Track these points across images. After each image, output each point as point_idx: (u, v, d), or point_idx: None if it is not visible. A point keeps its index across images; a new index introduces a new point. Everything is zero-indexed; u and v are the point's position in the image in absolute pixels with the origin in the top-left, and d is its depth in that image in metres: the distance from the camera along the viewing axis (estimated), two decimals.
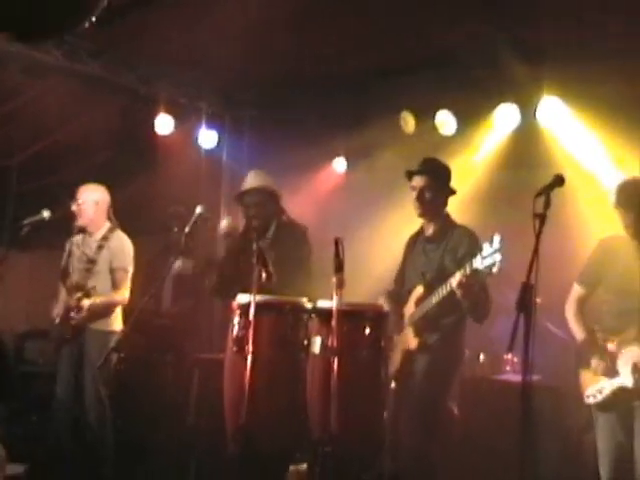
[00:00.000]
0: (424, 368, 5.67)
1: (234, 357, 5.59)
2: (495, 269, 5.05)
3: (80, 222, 7.12)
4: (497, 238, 5.04)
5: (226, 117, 9.86)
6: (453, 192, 5.99)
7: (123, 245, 7.17)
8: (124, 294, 7.04)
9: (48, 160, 8.67)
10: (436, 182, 5.91)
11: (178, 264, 6.02)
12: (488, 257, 5.06)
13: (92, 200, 7.12)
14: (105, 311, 6.94)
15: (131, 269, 7.12)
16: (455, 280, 5.30)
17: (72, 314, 6.84)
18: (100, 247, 7.07)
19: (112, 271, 7.05)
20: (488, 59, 7.33)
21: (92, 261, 7.03)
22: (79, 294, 6.84)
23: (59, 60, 7.93)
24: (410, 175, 5.96)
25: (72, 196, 7.09)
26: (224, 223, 6.15)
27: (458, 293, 5.33)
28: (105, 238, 7.11)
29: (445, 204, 6.01)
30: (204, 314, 9.17)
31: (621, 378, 5.32)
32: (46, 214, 6.83)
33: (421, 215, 5.96)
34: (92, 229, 7.15)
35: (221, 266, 6.55)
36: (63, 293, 7.06)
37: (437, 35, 7.33)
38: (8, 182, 8.73)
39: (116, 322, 7.00)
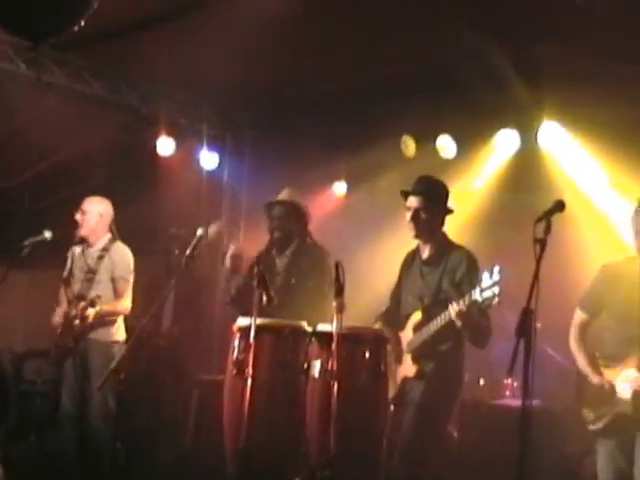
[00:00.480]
0: (422, 396, 5.59)
1: (234, 379, 5.57)
2: (495, 302, 5.02)
3: (82, 232, 7.19)
4: (497, 269, 5.00)
5: (227, 138, 9.88)
6: (450, 211, 5.86)
7: (124, 255, 7.26)
8: (127, 303, 7.14)
9: (49, 180, 8.69)
10: (431, 202, 5.77)
11: (213, 229, 6.09)
12: (487, 289, 5.02)
13: (96, 212, 7.21)
14: (108, 320, 7.03)
15: (132, 279, 7.21)
16: (454, 310, 5.27)
17: (75, 323, 6.87)
18: (101, 257, 7.15)
19: (113, 280, 7.14)
20: (489, 83, 7.36)
21: (93, 271, 7.10)
22: (83, 303, 6.88)
23: (62, 80, 7.97)
24: (405, 195, 5.85)
25: (76, 211, 7.16)
26: (210, 229, 6.17)
27: (457, 323, 5.29)
28: (105, 249, 7.20)
29: (442, 224, 5.87)
30: (204, 335, 9.17)
31: (621, 405, 5.30)
32: (47, 234, 6.82)
33: (416, 236, 5.83)
34: (93, 240, 7.22)
35: (242, 280, 6.59)
36: (64, 303, 7.09)
37: (437, 59, 7.36)
38: (9, 202, 8.74)
39: (118, 332, 7.10)
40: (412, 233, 5.83)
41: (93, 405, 6.85)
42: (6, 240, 7.30)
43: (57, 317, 7.06)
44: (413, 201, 5.77)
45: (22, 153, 8.43)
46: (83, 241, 7.24)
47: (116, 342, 7.00)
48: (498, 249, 7.00)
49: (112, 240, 7.27)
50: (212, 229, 6.29)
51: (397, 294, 6.16)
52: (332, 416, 4.90)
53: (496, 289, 4.97)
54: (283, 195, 6.76)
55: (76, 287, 7.10)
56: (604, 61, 6.83)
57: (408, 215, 5.78)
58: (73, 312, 6.93)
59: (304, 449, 5.46)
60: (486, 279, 5.04)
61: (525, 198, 7.57)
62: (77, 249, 7.27)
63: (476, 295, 5.10)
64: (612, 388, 5.36)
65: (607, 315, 5.58)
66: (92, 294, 6.96)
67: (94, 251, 7.20)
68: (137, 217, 8.74)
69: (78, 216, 7.15)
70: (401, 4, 6.64)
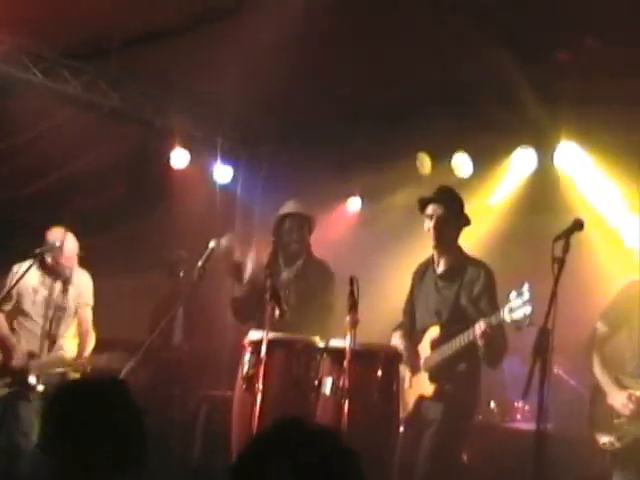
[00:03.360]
0: (439, 417, 5.54)
1: (243, 395, 5.52)
2: (525, 324, 4.92)
3: (67, 272, 6.95)
4: (526, 287, 4.93)
5: (242, 153, 9.84)
6: (468, 222, 5.84)
7: (87, 281, 7.11)
8: (93, 337, 7.03)
9: (62, 191, 8.66)
10: (452, 211, 5.76)
11: (224, 241, 6.01)
12: (518, 310, 4.94)
13: (75, 248, 6.98)
14: None
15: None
16: (479, 329, 5.18)
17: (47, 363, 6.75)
18: (65, 290, 6.93)
19: (78, 309, 6.99)
20: (506, 102, 7.32)
21: (62, 308, 6.90)
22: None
23: (77, 90, 7.94)
24: (424, 203, 5.80)
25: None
26: (223, 241, 6.12)
27: (480, 342, 5.21)
28: (68, 279, 6.96)
29: (459, 235, 5.85)
30: (214, 350, 9.11)
31: None
32: (58, 243, 6.79)
33: (436, 246, 5.78)
34: (60, 271, 6.96)
35: (244, 292, 6.55)
36: (19, 339, 6.83)
37: (454, 77, 7.32)
38: (22, 212, 8.71)
39: None
40: (432, 243, 5.77)
41: None
42: (19, 250, 7.23)
43: (20, 358, 6.73)
44: (435, 208, 5.73)
45: (35, 163, 8.39)
46: (52, 268, 6.93)
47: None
48: (514, 269, 6.92)
49: (71, 269, 7.02)
50: (224, 242, 6.23)
51: (410, 308, 6.10)
52: (343, 434, 4.84)
53: (527, 309, 4.89)
54: (292, 207, 6.71)
55: (38, 323, 6.85)
56: (622, 82, 6.78)
57: (430, 223, 5.73)
58: (44, 349, 6.78)
59: None
60: (514, 298, 4.96)
61: (541, 218, 7.49)
62: (31, 279, 6.83)
63: (505, 315, 5.01)
64: (639, 403, 5.25)
65: (629, 333, 5.49)
66: (61, 332, 6.86)
67: (57, 283, 6.95)
68: (150, 229, 8.71)
69: (57, 243, 6.78)
70: (417, 23, 6.61)
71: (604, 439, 5.39)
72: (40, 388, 6.67)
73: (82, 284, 7.07)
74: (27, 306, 6.88)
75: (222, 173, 9.52)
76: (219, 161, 9.46)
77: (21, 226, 8.55)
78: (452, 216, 5.75)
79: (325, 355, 5.51)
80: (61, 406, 2.97)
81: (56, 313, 6.90)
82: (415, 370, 5.78)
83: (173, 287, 8.57)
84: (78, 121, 8.21)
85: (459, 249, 5.87)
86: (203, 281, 5.92)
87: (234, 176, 9.66)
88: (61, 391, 3.15)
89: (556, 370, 6.95)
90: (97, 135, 8.38)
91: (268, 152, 9.79)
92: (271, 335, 5.35)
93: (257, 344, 5.41)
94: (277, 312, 5.42)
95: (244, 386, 5.52)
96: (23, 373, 6.68)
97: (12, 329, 6.81)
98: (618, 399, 5.35)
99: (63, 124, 8.12)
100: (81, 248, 7.03)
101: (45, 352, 6.83)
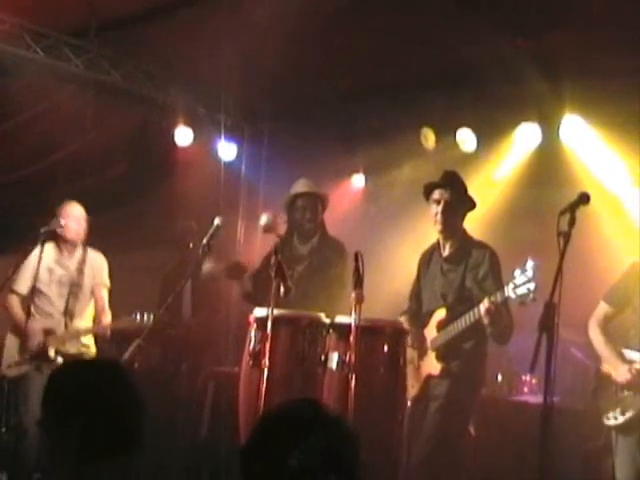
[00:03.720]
0: (448, 392, 5.61)
1: (250, 371, 5.53)
2: (529, 299, 4.94)
3: (69, 236, 7.00)
4: (530, 264, 4.95)
5: (245, 129, 9.82)
6: (474, 205, 5.87)
7: (102, 262, 7.21)
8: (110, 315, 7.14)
9: (66, 169, 8.65)
10: (459, 195, 5.79)
11: (207, 266, 5.96)
12: (522, 286, 4.96)
13: (82, 217, 7.05)
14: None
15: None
16: (484, 307, 5.20)
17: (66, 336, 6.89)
18: (80, 269, 7.03)
19: (94, 290, 7.11)
20: (510, 76, 7.29)
21: (78, 285, 7.00)
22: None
23: (79, 68, 7.92)
24: (431, 188, 5.82)
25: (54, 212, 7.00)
26: (264, 218, 6.09)
27: (485, 320, 5.24)
28: (83, 259, 7.07)
29: (464, 219, 5.88)
30: (221, 327, 9.13)
31: None
32: (63, 222, 6.80)
33: (442, 231, 5.82)
34: (70, 248, 7.06)
35: (257, 271, 6.56)
36: (36, 315, 6.90)
37: (458, 51, 7.29)
38: (25, 191, 8.71)
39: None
40: (438, 227, 5.80)
41: None
42: (22, 229, 7.23)
43: (36, 336, 6.81)
44: (443, 193, 5.75)
45: (39, 142, 8.38)
46: (64, 246, 7.05)
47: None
48: (519, 243, 6.93)
49: (85, 249, 7.13)
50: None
51: (417, 292, 6.16)
52: (349, 409, 4.85)
53: (532, 285, 4.92)
54: (304, 186, 6.74)
55: (55, 302, 6.96)
56: (624, 54, 6.75)
57: (437, 208, 5.75)
58: (60, 326, 6.88)
59: None
60: (518, 275, 4.98)
61: (546, 192, 7.47)
62: (46, 258, 6.85)
63: (509, 292, 5.05)
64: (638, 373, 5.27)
65: (633, 311, 5.51)
66: (77, 310, 6.97)
67: (72, 262, 7.05)
68: (154, 207, 8.71)
69: (62, 221, 6.86)
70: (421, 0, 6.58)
71: (608, 413, 5.42)
72: (60, 360, 6.79)
73: (96, 264, 7.16)
74: (44, 287, 6.94)
75: (226, 150, 9.50)
76: (223, 138, 9.44)
77: (24, 206, 8.57)
78: (458, 200, 5.78)
79: (331, 331, 5.52)
80: (58, 385, 3.00)
81: (72, 291, 6.98)
82: (423, 352, 5.83)
83: (181, 259, 8.57)
84: (80, 100, 8.20)
85: (464, 232, 5.91)
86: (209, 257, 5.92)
87: (238, 153, 9.64)
88: (59, 370, 3.17)
89: (563, 344, 6.96)
90: (99, 113, 8.36)
91: (270, 129, 9.77)
92: (276, 312, 5.35)
93: (263, 320, 5.42)
94: (282, 289, 5.42)
95: (251, 362, 5.53)
96: (42, 348, 6.78)
97: (28, 313, 6.77)
98: (621, 372, 5.37)
99: (65, 102, 8.11)
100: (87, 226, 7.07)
101: (62, 329, 6.92)
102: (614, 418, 5.38)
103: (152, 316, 6.52)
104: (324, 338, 5.55)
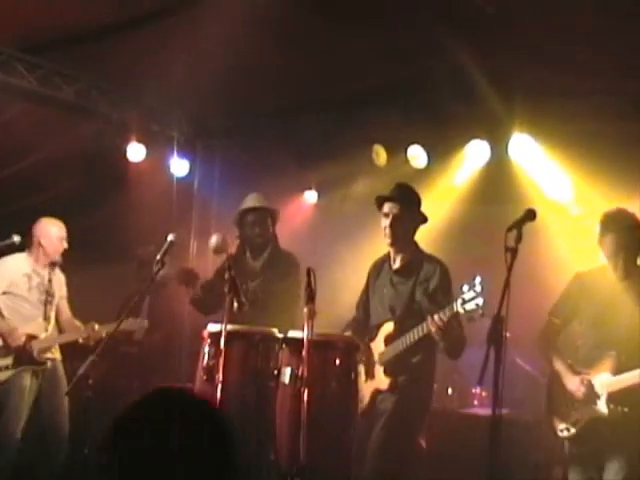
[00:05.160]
0: (394, 407, 5.60)
1: (204, 385, 5.55)
2: (478, 314, 5.01)
3: (52, 258, 7.14)
4: (478, 280, 4.99)
5: (197, 145, 9.84)
6: (425, 220, 5.85)
7: (62, 276, 7.36)
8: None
9: (17, 185, 8.60)
10: (409, 209, 5.76)
11: (161, 272, 5.96)
12: (470, 301, 5.02)
13: (62, 237, 7.18)
14: None
15: None
16: (435, 323, 5.22)
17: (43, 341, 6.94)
18: (50, 280, 7.16)
19: (60, 301, 7.25)
20: (460, 94, 7.40)
21: (51, 294, 7.13)
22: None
23: (32, 85, 7.90)
24: (381, 201, 5.81)
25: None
26: (214, 239, 6.12)
27: (436, 336, 5.27)
28: (52, 270, 7.22)
29: (415, 232, 5.86)
30: (173, 343, 9.11)
31: (597, 407, 5.32)
32: (16, 239, 6.81)
33: (392, 244, 5.80)
34: (46, 261, 7.17)
35: (208, 282, 6.60)
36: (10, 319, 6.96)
37: (409, 68, 7.37)
38: None
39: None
40: (387, 241, 5.79)
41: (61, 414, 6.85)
42: None
43: (19, 339, 6.87)
44: (391, 207, 5.73)
45: None
46: (40, 258, 7.15)
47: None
48: (469, 259, 7.04)
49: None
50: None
51: (365, 303, 6.11)
52: (302, 423, 4.89)
53: (480, 300, 4.97)
54: (255, 201, 6.79)
55: (35, 307, 7.03)
56: (573, 75, 6.88)
57: (386, 222, 5.73)
58: (42, 331, 6.95)
59: (274, 456, 5.45)
60: (467, 291, 5.03)
61: (495, 209, 7.61)
62: (23, 266, 7.08)
63: (458, 307, 5.08)
64: (590, 386, 5.37)
65: (579, 322, 5.64)
66: (52, 316, 7.10)
67: (45, 272, 7.16)
68: (107, 223, 8.68)
69: (49, 242, 7.08)
70: (372, 15, 6.63)
71: (561, 425, 5.50)
72: (49, 365, 6.95)
73: (60, 278, 7.31)
74: (23, 292, 7.01)
75: (179, 166, 9.51)
76: (175, 154, 9.46)
77: None
78: (408, 214, 5.75)
79: (284, 345, 5.56)
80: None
81: (47, 299, 7.10)
82: (370, 366, 5.82)
83: (138, 276, 8.54)
84: (33, 116, 8.16)
85: (415, 245, 5.88)
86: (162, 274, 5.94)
87: (190, 169, 9.65)
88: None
89: (512, 357, 7.07)
90: (53, 130, 8.33)
91: (223, 145, 9.79)
92: (230, 327, 5.39)
93: (216, 335, 5.46)
94: (235, 304, 5.46)
95: (204, 377, 5.56)
96: (26, 353, 6.84)
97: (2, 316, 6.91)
98: (572, 383, 5.46)
99: (18, 119, 8.07)
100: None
101: (43, 333, 6.99)
102: (567, 430, 5.46)
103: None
104: (277, 353, 5.59)
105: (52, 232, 7.14)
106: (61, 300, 7.29)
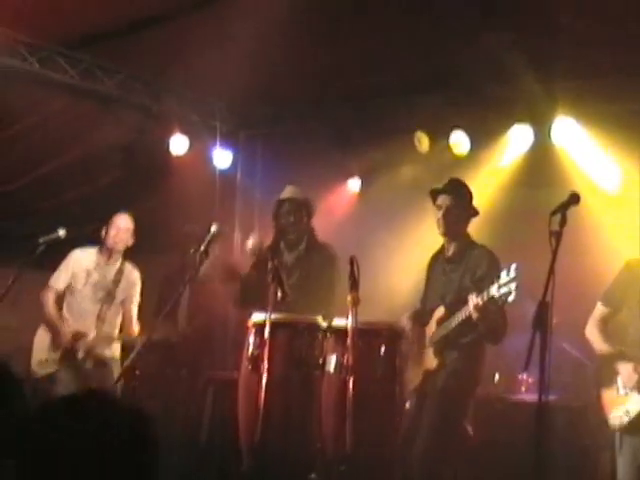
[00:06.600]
0: (442, 385, 5.68)
1: (249, 375, 5.58)
2: (510, 298, 5.05)
3: (119, 247, 7.16)
4: (513, 267, 5.07)
5: (240, 136, 9.84)
6: (476, 213, 6.05)
7: (137, 278, 7.32)
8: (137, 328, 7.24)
9: (62, 179, 8.68)
10: (461, 202, 5.97)
11: (202, 269, 5.98)
12: (504, 286, 5.07)
13: (131, 230, 7.21)
14: None
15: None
16: (472, 303, 5.29)
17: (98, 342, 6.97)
18: (117, 280, 7.14)
19: (124, 303, 7.21)
20: (502, 79, 7.34)
21: (112, 294, 7.10)
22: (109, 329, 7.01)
23: (74, 79, 7.97)
24: (435, 194, 6.01)
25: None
26: (251, 241, 6.15)
27: (474, 316, 5.33)
28: (121, 270, 7.19)
29: (467, 224, 6.05)
30: (219, 332, 9.16)
31: None
32: (62, 232, 6.81)
33: (444, 234, 5.99)
34: (112, 256, 7.17)
35: (246, 278, 6.60)
36: (66, 318, 7.03)
37: (451, 53, 7.32)
38: (20, 201, 8.73)
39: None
40: (440, 230, 5.98)
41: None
42: (18, 240, 7.27)
43: (66, 337, 6.93)
44: (445, 199, 5.94)
45: (33, 152, 8.41)
46: (105, 253, 7.19)
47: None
48: (513, 244, 6.97)
49: (124, 261, 7.26)
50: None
51: (424, 294, 6.24)
52: (348, 411, 4.91)
53: (513, 285, 5.02)
54: (291, 192, 6.73)
55: (87, 304, 7.07)
56: (617, 55, 6.80)
57: (439, 213, 5.93)
58: (92, 330, 6.96)
59: (320, 444, 5.47)
60: (503, 276, 5.08)
61: (539, 193, 7.53)
62: (86, 261, 7.13)
63: (493, 291, 5.13)
64: None
65: (629, 310, 5.55)
66: (109, 317, 7.07)
67: (111, 271, 7.16)
68: (150, 216, 8.72)
69: (112, 231, 7.10)
70: (414, 2, 6.62)
71: (612, 413, 5.44)
72: (89, 365, 6.91)
73: (131, 279, 7.27)
74: (79, 287, 7.08)
75: (221, 158, 9.51)
76: (218, 146, 9.47)
77: (20, 216, 8.60)
78: (461, 207, 5.96)
79: (329, 334, 5.58)
80: None
81: (105, 298, 7.08)
82: (422, 348, 5.89)
83: (182, 264, 8.57)
84: (76, 110, 8.23)
85: (467, 236, 6.06)
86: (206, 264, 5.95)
87: (233, 160, 9.65)
88: None
89: (559, 343, 7.01)
90: (95, 123, 8.40)
91: (265, 135, 9.79)
92: (274, 316, 5.41)
93: (261, 325, 5.48)
94: (279, 294, 5.47)
95: (249, 367, 5.59)
96: (71, 352, 6.88)
97: (60, 309, 7.00)
98: (624, 371, 5.40)
99: (61, 113, 8.15)
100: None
101: (93, 332, 6.99)
102: (619, 418, 5.40)
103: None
104: (321, 341, 5.61)
105: (120, 224, 7.14)
106: (127, 301, 7.21)
